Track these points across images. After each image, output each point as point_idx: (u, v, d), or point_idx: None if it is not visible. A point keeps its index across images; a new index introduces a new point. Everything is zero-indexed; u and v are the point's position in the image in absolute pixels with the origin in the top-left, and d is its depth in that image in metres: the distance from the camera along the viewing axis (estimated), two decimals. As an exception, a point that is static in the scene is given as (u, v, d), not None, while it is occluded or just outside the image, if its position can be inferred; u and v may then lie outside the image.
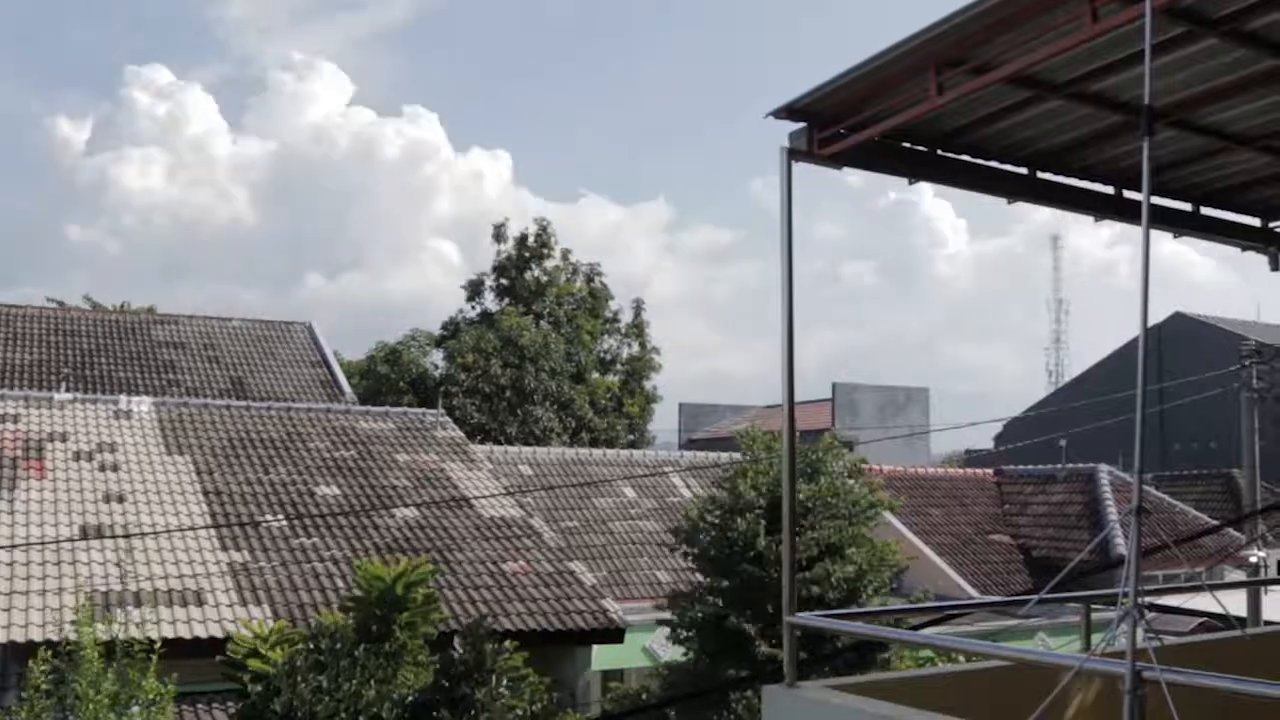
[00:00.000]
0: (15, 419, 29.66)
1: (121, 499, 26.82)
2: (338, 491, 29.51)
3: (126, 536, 24.80)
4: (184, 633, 22.10)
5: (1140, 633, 5.70)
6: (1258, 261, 11.78)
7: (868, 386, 74.33)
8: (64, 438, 29.24)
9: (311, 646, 17.99)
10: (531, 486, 38.22)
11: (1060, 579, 7.55)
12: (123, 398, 33.02)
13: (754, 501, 26.41)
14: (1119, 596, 5.82)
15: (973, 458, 72.09)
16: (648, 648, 32.41)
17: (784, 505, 9.56)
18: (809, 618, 10.41)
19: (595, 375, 65.71)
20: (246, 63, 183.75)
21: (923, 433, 63.24)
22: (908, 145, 9.42)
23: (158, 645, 17.92)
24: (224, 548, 25.58)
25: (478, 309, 66.82)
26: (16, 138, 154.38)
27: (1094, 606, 9.81)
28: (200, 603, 23.28)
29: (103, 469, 28.09)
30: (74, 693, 17.04)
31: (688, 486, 41.53)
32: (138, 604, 22.48)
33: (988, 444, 76.81)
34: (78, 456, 28.45)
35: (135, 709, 17.33)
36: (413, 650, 18.52)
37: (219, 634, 21.75)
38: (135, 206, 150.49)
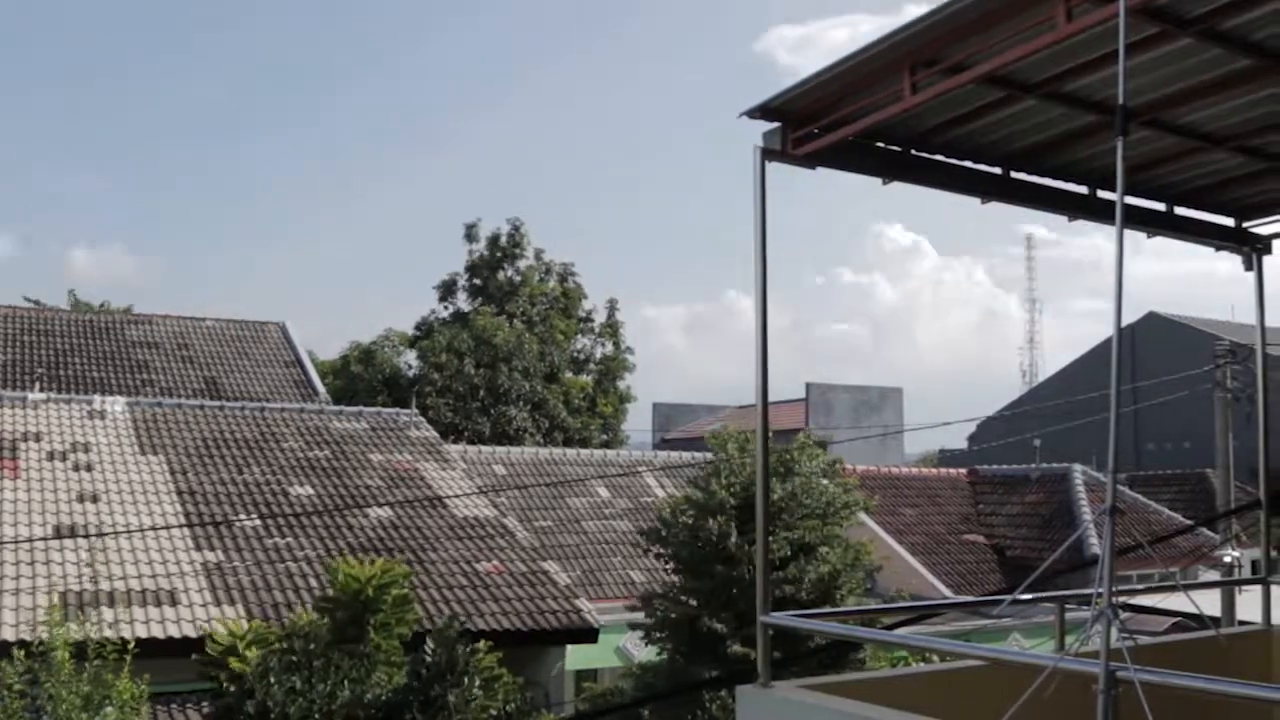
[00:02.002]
0: (-12, 419, 29.60)
1: (95, 499, 26.75)
2: (311, 491, 29.47)
3: (100, 536, 24.75)
4: (157, 633, 22.05)
5: (1114, 633, 5.69)
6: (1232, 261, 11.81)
7: (841, 386, 74.33)
8: (38, 437, 29.16)
9: (285, 647, 17.97)
10: (505, 486, 38.24)
11: (1034, 579, 7.57)
12: (96, 398, 32.93)
13: (726, 501, 26.38)
14: (1093, 596, 5.82)
15: (946, 457, 72.25)
16: (621, 648, 32.42)
17: (758, 505, 9.55)
18: (782, 617, 10.40)
19: (569, 375, 65.69)
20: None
21: (896, 432, 63.26)
22: (881, 145, 9.40)
23: (131, 645, 17.88)
24: (198, 547, 25.54)
25: (450, 309, 66.85)
26: None
27: (1068, 606, 9.83)
28: (174, 602, 23.22)
29: (76, 469, 28.03)
30: (47, 693, 17.00)
31: (661, 486, 41.58)
32: (111, 604, 22.44)
33: (961, 444, 77.01)
34: (51, 456, 28.38)
35: (109, 710, 17.28)
36: (387, 651, 18.49)
37: (192, 634, 21.74)
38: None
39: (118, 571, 23.74)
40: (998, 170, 10.05)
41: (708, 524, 26.14)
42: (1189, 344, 59.47)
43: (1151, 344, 64.52)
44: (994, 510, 47.04)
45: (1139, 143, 9.51)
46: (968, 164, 9.88)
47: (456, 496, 30.26)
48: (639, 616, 28.05)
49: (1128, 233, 7.28)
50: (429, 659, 18.18)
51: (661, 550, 28.25)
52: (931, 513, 45.95)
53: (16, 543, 24.02)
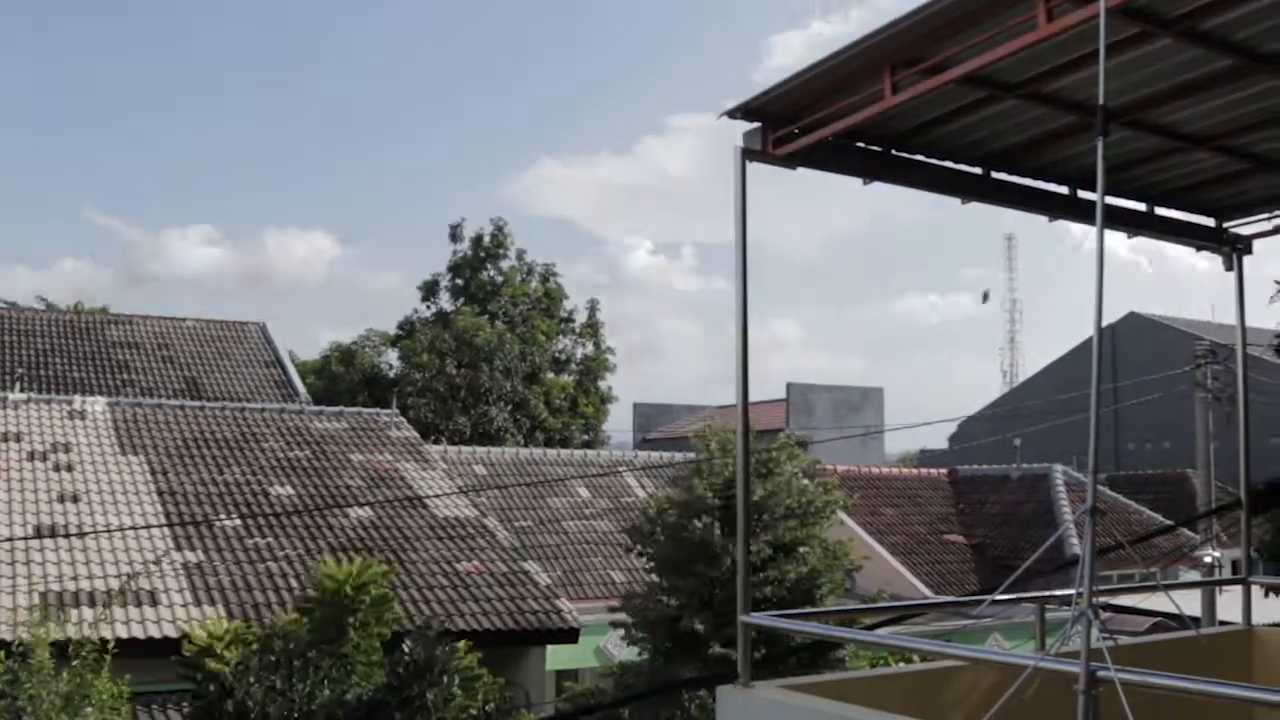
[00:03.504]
0: (-32, 419, 29.52)
1: (76, 499, 26.70)
2: (292, 491, 29.43)
3: (80, 535, 24.71)
4: (138, 633, 22.01)
5: (1095, 633, 5.69)
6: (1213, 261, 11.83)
7: (822, 386, 74.26)
8: (18, 438, 29.09)
9: (265, 647, 17.94)
10: (485, 486, 38.22)
11: (1014, 579, 7.55)
12: (77, 398, 32.86)
13: (708, 501, 26.35)
14: (1073, 597, 5.81)
15: (927, 457, 72.32)
16: (601, 648, 32.42)
17: (738, 505, 9.52)
18: (763, 617, 10.40)
19: (550, 375, 65.72)
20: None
21: (877, 432, 63.24)
22: (862, 145, 9.38)
23: (111, 645, 17.85)
24: (178, 548, 25.49)
25: (433, 309, 66.91)
26: None
27: (1048, 606, 9.81)
28: (154, 603, 23.19)
29: (57, 469, 27.97)
30: (27, 694, 16.95)
31: (642, 486, 41.59)
32: (91, 604, 22.41)
33: (942, 444, 77.10)
34: (32, 457, 28.32)
35: (89, 710, 17.24)
36: (366, 651, 18.47)
37: (173, 634, 21.67)
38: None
39: (98, 571, 23.72)
40: (978, 170, 10.03)
41: (691, 524, 26.11)
42: (1169, 343, 59.58)
43: (1131, 343, 64.64)
44: (974, 510, 47.07)
45: (1119, 143, 9.49)
46: (948, 164, 9.87)
47: (437, 496, 30.24)
48: (620, 616, 28.02)
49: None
50: (407, 658, 18.15)
51: (644, 549, 28.25)
52: (912, 513, 45.99)
53: (-3, 542, 24.00)
